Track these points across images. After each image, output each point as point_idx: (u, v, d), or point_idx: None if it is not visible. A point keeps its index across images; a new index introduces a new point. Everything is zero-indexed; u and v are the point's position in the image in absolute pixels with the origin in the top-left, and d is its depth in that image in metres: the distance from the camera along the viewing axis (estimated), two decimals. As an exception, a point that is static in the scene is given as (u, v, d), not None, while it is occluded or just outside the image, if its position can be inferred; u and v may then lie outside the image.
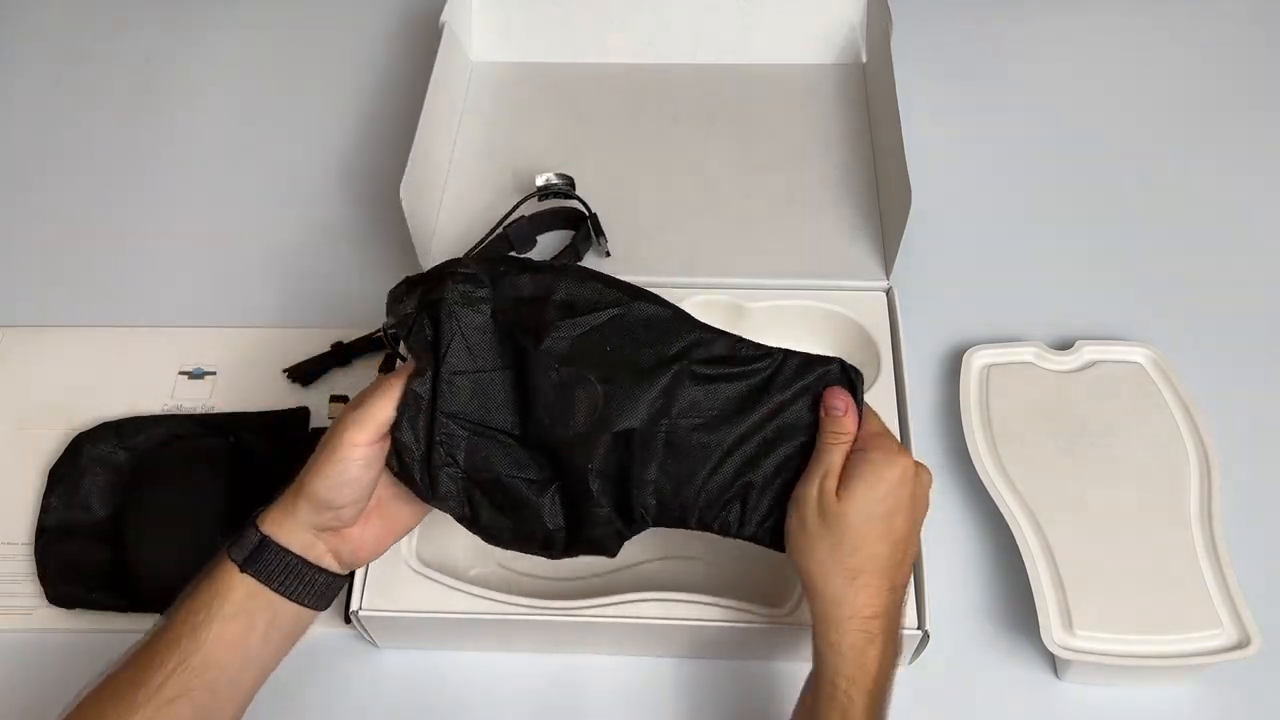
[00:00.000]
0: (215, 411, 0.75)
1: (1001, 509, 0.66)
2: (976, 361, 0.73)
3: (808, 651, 0.57)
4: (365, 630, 0.64)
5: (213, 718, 0.52)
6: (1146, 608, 0.62)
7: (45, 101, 0.98)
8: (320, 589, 0.55)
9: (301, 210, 0.88)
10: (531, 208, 0.77)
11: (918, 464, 0.54)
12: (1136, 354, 0.73)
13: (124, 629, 0.67)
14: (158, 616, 0.65)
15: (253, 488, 0.69)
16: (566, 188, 0.76)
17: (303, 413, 0.75)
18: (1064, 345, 0.74)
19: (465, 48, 0.90)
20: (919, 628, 0.60)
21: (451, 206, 0.81)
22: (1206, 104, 0.92)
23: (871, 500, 0.52)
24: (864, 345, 0.72)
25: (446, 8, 0.85)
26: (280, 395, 0.76)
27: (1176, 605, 0.62)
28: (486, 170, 0.84)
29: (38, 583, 0.68)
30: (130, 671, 0.51)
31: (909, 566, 0.54)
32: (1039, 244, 0.83)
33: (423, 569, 0.63)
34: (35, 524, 0.70)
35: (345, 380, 0.77)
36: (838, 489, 0.53)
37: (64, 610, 0.67)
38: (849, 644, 0.51)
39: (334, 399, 0.76)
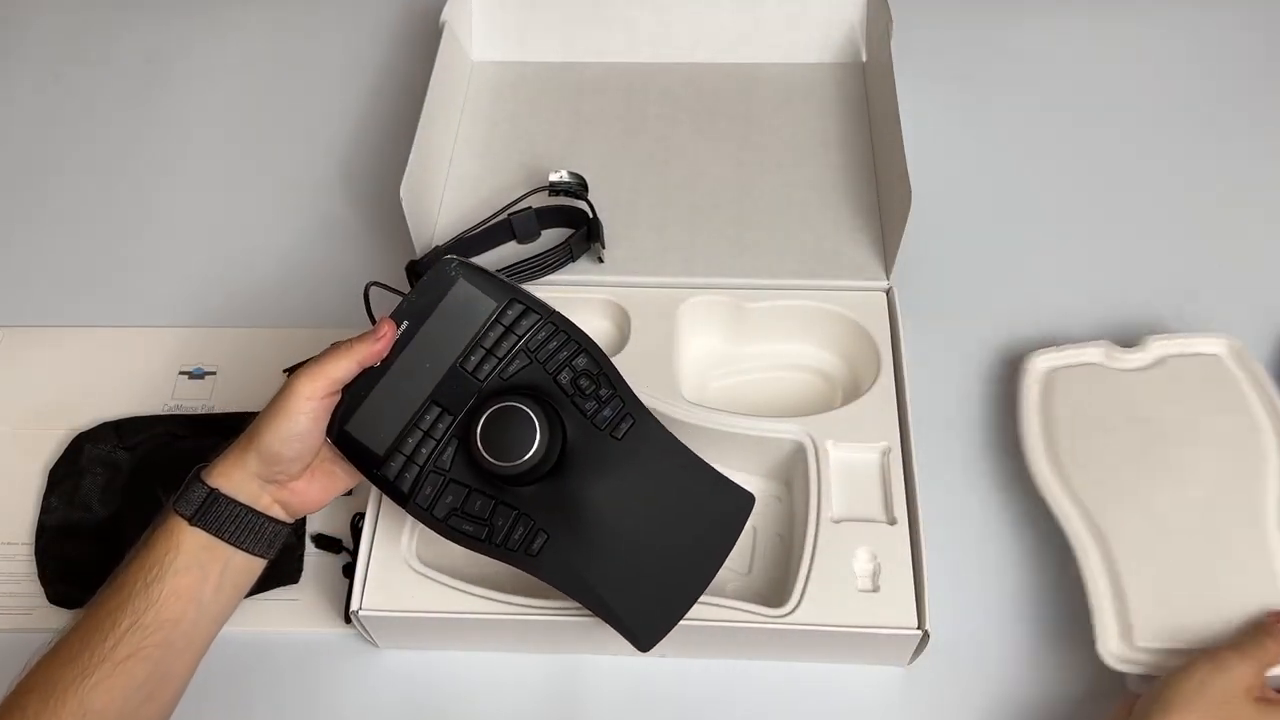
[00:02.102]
0: (215, 411, 0.75)
1: (1059, 515, 0.64)
2: (1039, 366, 0.70)
3: (809, 652, 0.58)
4: (365, 630, 0.64)
5: (169, 672, 0.53)
6: (1213, 619, 0.59)
7: (45, 101, 0.98)
8: (269, 538, 0.56)
9: (301, 210, 0.88)
10: (540, 201, 0.77)
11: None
12: (1213, 345, 0.70)
13: (124, 629, 0.67)
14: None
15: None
16: (578, 187, 0.76)
17: (303, 413, 0.75)
18: (1063, 344, 0.74)
19: (465, 47, 0.90)
20: (919, 628, 0.60)
21: (451, 206, 0.81)
22: (1206, 102, 0.92)
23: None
24: (864, 345, 0.72)
25: (446, 7, 0.85)
26: (280, 395, 0.76)
27: (1248, 615, 0.59)
28: (487, 170, 0.84)
29: (38, 583, 0.68)
30: (81, 634, 0.52)
31: None
32: (1039, 243, 0.83)
33: (423, 569, 0.63)
34: (35, 524, 0.70)
35: (345, 380, 0.77)
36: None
37: (64, 610, 0.67)
38: None
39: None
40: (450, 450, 0.56)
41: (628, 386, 0.58)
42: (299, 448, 0.55)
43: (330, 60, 0.99)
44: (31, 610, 0.68)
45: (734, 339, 0.75)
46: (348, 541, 0.69)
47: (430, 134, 0.78)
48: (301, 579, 0.68)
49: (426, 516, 0.56)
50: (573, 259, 0.76)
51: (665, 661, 0.65)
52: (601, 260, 0.76)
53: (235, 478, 0.55)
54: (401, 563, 0.64)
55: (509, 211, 0.76)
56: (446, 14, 0.85)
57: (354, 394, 0.57)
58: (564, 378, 0.57)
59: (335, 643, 0.67)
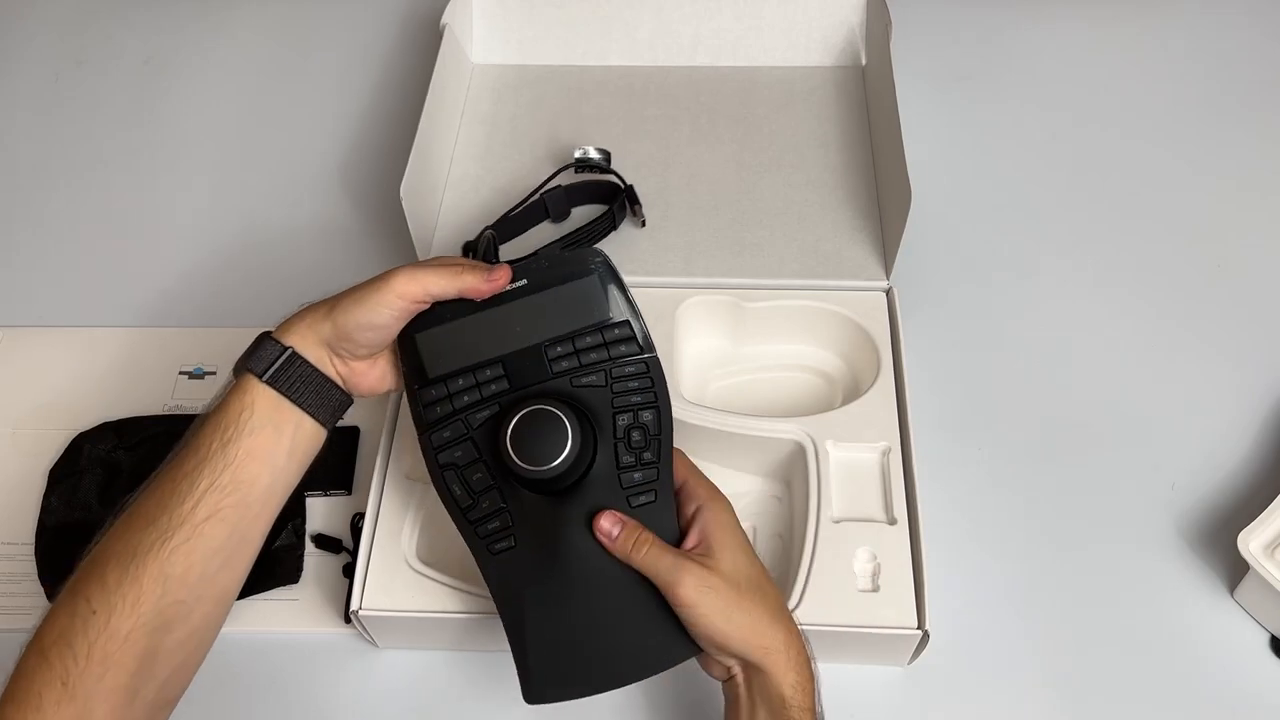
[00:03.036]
0: (215, 411, 0.75)
1: None
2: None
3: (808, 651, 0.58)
4: (365, 630, 0.64)
5: (245, 536, 0.53)
6: None
7: (45, 101, 0.98)
8: (334, 407, 0.55)
9: (301, 210, 0.88)
10: (568, 179, 0.78)
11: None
12: None
13: (124, 629, 0.67)
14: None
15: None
16: (603, 161, 0.77)
17: (303, 413, 0.75)
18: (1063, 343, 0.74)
19: (466, 50, 0.90)
20: (919, 628, 0.60)
21: (451, 207, 0.81)
22: (1206, 103, 0.92)
23: (741, 558, 0.53)
24: (864, 345, 0.72)
25: (447, 10, 0.86)
26: (280, 395, 0.76)
27: None
28: (486, 172, 0.84)
29: (38, 583, 0.68)
30: (157, 497, 0.51)
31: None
32: (1039, 243, 0.83)
33: (423, 569, 0.63)
34: (35, 524, 0.70)
35: (345, 380, 0.77)
36: (708, 554, 0.52)
37: (64, 610, 0.67)
38: (791, 683, 0.52)
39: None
40: (487, 414, 0.55)
41: (670, 467, 0.56)
42: (373, 337, 0.54)
43: (331, 62, 0.99)
44: (31, 610, 0.68)
45: (734, 339, 0.75)
46: (348, 542, 0.69)
47: (430, 135, 0.78)
48: (301, 579, 0.68)
49: (430, 456, 0.56)
50: (615, 228, 0.77)
51: (665, 661, 0.65)
52: (644, 224, 0.78)
53: (308, 339, 0.54)
54: (401, 563, 0.64)
55: (540, 191, 0.77)
56: (447, 16, 0.85)
57: (441, 311, 0.56)
58: (622, 420, 0.56)
59: (335, 643, 0.67)
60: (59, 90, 0.99)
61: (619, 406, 0.56)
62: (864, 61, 0.90)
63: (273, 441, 0.53)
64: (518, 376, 0.56)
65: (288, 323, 0.55)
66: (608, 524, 0.53)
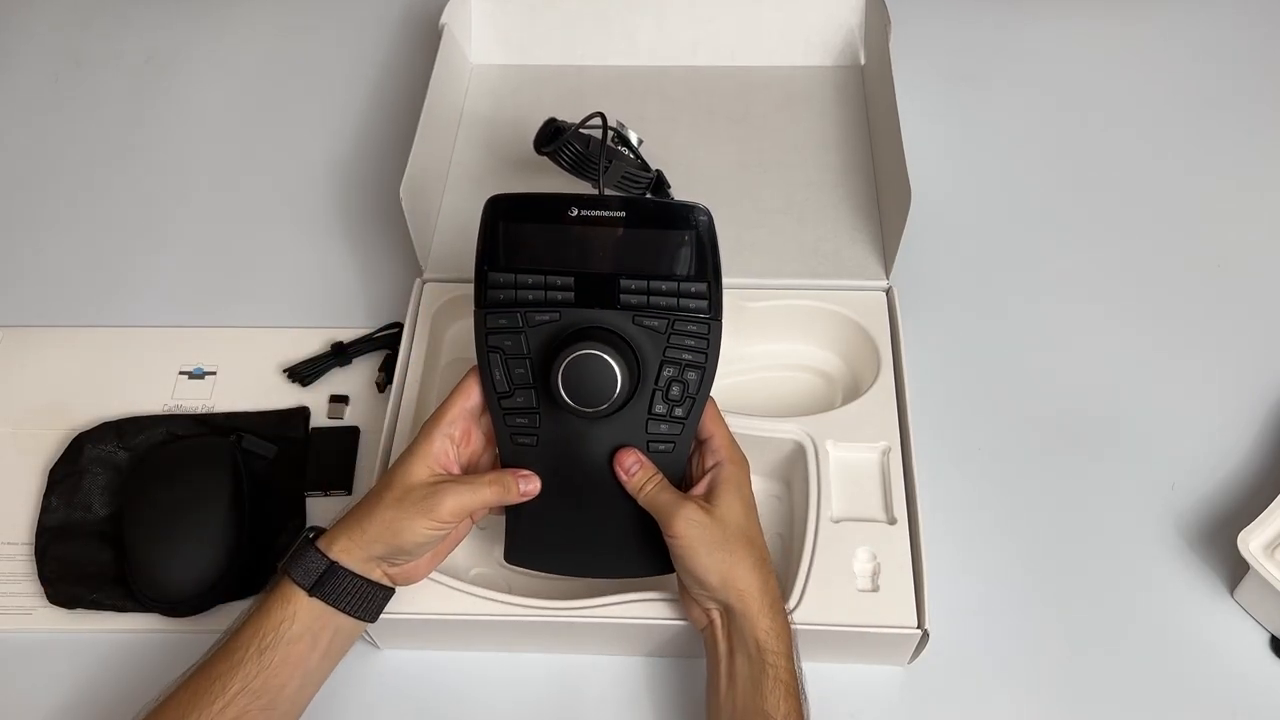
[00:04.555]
0: (215, 411, 0.75)
1: None
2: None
3: (808, 651, 0.58)
4: (366, 630, 0.64)
5: None
6: None
7: (45, 101, 0.98)
8: (379, 604, 0.57)
9: (301, 210, 0.88)
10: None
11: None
12: None
13: (124, 629, 0.67)
14: (157, 617, 0.66)
15: (253, 487, 0.70)
16: (637, 147, 0.78)
17: (303, 413, 0.75)
18: (1064, 343, 0.74)
19: (465, 50, 0.90)
20: (919, 627, 0.60)
21: (451, 208, 0.81)
22: (1205, 103, 0.92)
23: (739, 509, 0.56)
24: (864, 345, 0.72)
25: (446, 10, 0.86)
26: (280, 395, 0.76)
27: None
28: (486, 172, 0.84)
29: (38, 583, 0.68)
30: (190, 693, 0.52)
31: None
32: (1039, 243, 0.83)
33: (423, 569, 0.63)
34: (35, 524, 0.70)
35: (345, 380, 0.77)
36: (709, 501, 0.56)
37: (64, 610, 0.67)
38: (766, 628, 0.55)
39: (334, 399, 0.76)
40: (546, 318, 0.57)
41: (694, 429, 0.59)
42: (430, 551, 0.57)
43: (330, 62, 0.99)
44: (32, 610, 0.68)
45: (734, 339, 0.75)
46: (348, 541, 0.69)
47: (430, 135, 0.78)
48: (301, 579, 0.68)
49: (481, 332, 0.57)
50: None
51: (665, 661, 0.65)
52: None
53: (355, 554, 0.55)
54: (402, 562, 0.63)
55: (584, 126, 0.74)
56: (446, 17, 0.85)
57: (534, 208, 0.57)
58: (667, 372, 0.57)
59: (335, 643, 0.67)
60: (59, 90, 0.99)
61: (669, 358, 0.57)
62: (863, 62, 0.90)
63: (309, 648, 0.54)
64: (586, 295, 0.57)
65: (334, 532, 0.56)
66: (629, 461, 0.57)
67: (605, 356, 0.55)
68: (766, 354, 0.75)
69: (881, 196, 0.79)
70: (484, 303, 0.57)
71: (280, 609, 0.54)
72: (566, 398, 0.55)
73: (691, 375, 0.57)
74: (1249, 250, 0.82)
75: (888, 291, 0.74)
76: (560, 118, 0.86)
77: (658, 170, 0.78)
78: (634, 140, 0.78)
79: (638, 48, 0.90)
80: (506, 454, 0.59)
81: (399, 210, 0.72)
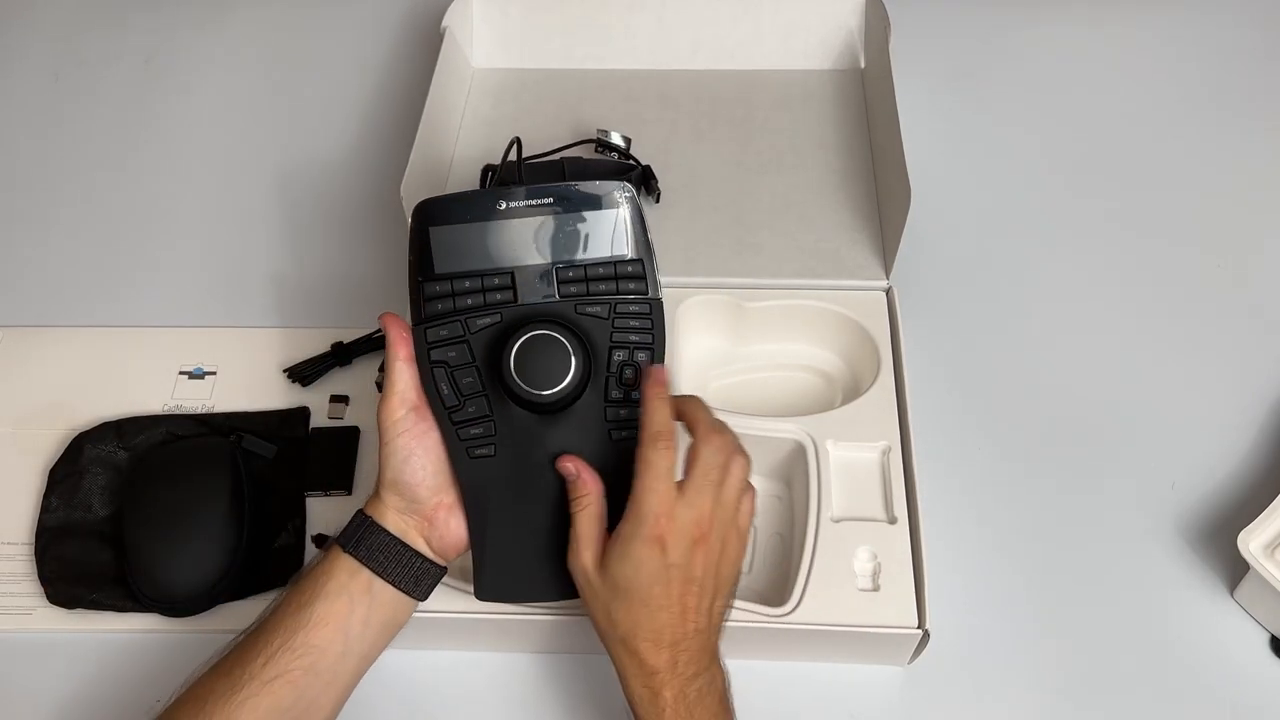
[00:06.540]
0: (215, 411, 0.75)
1: None
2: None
3: (809, 651, 0.58)
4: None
5: (312, 703, 0.53)
6: None
7: (45, 101, 0.98)
8: (416, 573, 0.56)
9: (301, 210, 0.88)
10: (587, 153, 0.79)
11: (746, 487, 0.55)
12: None
13: (124, 629, 0.67)
14: (157, 617, 0.66)
15: (253, 487, 0.70)
16: (623, 146, 0.79)
17: (303, 413, 0.75)
18: (1063, 343, 0.74)
19: (466, 53, 0.90)
20: (919, 627, 0.60)
21: (452, 207, 0.81)
22: (1206, 102, 0.92)
23: (623, 575, 0.52)
24: (864, 345, 0.72)
25: (448, 13, 0.86)
26: (280, 395, 0.76)
27: None
28: (487, 172, 0.84)
29: (38, 583, 0.68)
30: (238, 650, 0.53)
31: (709, 602, 0.53)
32: (1038, 243, 0.83)
33: (423, 568, 0.63)
34: (35, 524, 0.70)
35: (345, 380, 0.77)
36: (601, 556, 0.53)
37: (64, 610, 0.67)
38: (638, 696, 0.52)
39: (334, 399, 0.76)
40: (487, 321, 0.56)
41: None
42: (416, 470, 0.55)
43: (331, 63, 0.99)
44: (32, 610, 0.68)
45: (734, 339, 0.75)
46: (348, 541, 0.69)
47: (431, 137, 0.78)
48: (301, 579, 0.68)
49: (422, 349, 0.55)
50: None
51: (665, 661, 0.65)
52: (659, 201, 0.79)
53: (379, 510, 0.55)
54: (402, 562, 0.63)
55: (559, 152, 0.77)
56: (448, 20, 0.85)
57: (460, 210, 0.56)
58: (617, 356, 0.56)
59: (335, 642, 0.67)
60: (59, 90, 0.99)
61: (616, 342, 0.56)
62: (863, 64, 0.90)
63: (347, 609, 0.54)
64: (524, 290, 0.56)
65: (370, 498, 0.57)
66: (569, 468, 0.55)
67: (555, 334, 0.54)
68: (767, 354, 0.75)
69: (881, 197, 0.80)
70: (421, 318, 0.55)
71: (320, 565, 0.54)
72: (521, 383, 0.54)
73: (642, 356, 0.57)
74: (1249, 250, 0.83)
75: (888, 291, 0.74)
76: (559, 121, 0.87)
77: (646, 165, 0.79)
78: (618, 141, 0.79)
79: (638, 51, 0.91)
80: (463, 472, 0.56)
81: (399, 210, 0.72)
